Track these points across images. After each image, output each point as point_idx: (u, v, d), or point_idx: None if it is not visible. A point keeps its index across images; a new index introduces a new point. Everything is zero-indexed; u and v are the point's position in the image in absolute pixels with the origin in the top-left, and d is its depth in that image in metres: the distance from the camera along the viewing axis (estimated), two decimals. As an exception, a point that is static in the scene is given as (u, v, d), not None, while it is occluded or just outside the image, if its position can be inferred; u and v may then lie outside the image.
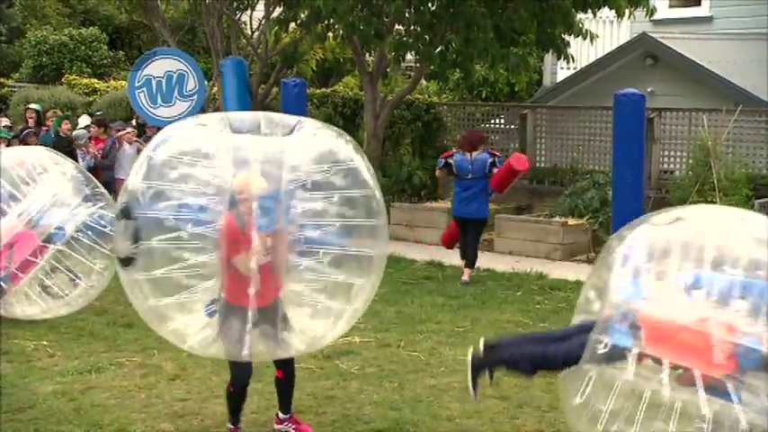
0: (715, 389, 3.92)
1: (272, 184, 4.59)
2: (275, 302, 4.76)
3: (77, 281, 7.93)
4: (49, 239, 7.80)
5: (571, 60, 13.62)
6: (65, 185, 8.00)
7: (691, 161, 12.16)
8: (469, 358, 4.98)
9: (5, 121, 13.41)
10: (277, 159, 4.63)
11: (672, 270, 4.13)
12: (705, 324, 3.96)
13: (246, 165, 4.61)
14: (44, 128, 13.14)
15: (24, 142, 11.93)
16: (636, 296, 4.16)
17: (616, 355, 4.12)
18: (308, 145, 4.84)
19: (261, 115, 5.19)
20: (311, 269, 4.72)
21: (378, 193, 4.92)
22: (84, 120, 13.73)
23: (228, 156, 4.65)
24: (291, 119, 5.12)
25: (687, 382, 3.97)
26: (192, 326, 4.83)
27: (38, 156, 8.20)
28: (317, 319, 4.96)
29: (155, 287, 4.71)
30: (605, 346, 4.12)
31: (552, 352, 4.62)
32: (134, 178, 4.81)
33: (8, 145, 11.94)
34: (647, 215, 4.71)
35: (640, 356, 4.08)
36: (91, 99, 18.68)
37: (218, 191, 4.59)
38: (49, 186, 7.91)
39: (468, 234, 10.16)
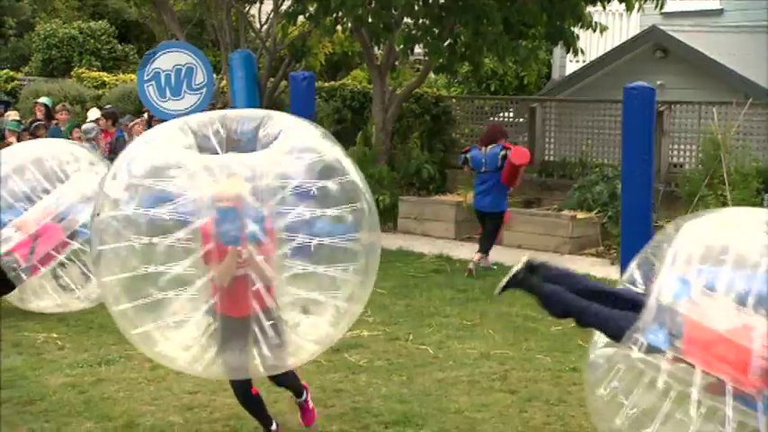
0: (743, 399, 3.87)
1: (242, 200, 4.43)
2: (250, 317, 4.53)
3: (91, 277, 7.97)
4: (73, 236, 7.86)
5: (580, 53, 13.57)
6: (95, 183, 8.06)
7: (700, 155, 12.10)
8: (516, 268, 4.80)
9: (15, 115, 13.45)
10: (248, 174, 4.47)
11: (723, 277, 4.01)
12: (746, 337, 3.87)
13: (223, 175, 4.46)
14: (54, 121, 13.17)
15: (34, 135, 11.97)
16: (682, 296, 4.06)
17: (650, 351, 4.08)
18: (281, 159, 4.63)
19: (260, 115, 5.01)
20: (290, 285, 4.58)
21: (348, 212, 4.68)
22: (94, 113, 13.76)
23: (203, 168, 4.50)
24: (282, 123, 4.93)
25: (717, 390, 3.91)
26: (163, 331, 4.63)
27: (73, 151, 8.26)
28: (301, 335, 4.80)
29: (122, 290, 4.56)
30: (641, 347, 4.07)
31: (590, 313, 4.47)
32: (109, 182, 4.68)
33: (18, 138, 12.00)
34: (718, 209, 4.60)
35: (674, 359, 4.02)
36: (100, 92, 18.72)
37: (197, 198, 4.42)
38: (80, 183, 7.96)
39: (485, 227, 10.26)
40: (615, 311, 4.40)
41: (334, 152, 4.83)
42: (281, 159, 4.63)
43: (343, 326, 4.94)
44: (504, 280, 4.82)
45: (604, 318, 4.42)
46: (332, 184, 4.63)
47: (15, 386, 6.20)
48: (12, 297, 8.05)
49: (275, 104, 14.25)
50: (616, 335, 4.28)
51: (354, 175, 4.81)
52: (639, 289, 4.45)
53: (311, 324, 4.80)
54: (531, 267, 4.84)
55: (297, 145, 4.75)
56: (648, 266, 4.39)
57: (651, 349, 4.07)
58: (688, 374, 4.00)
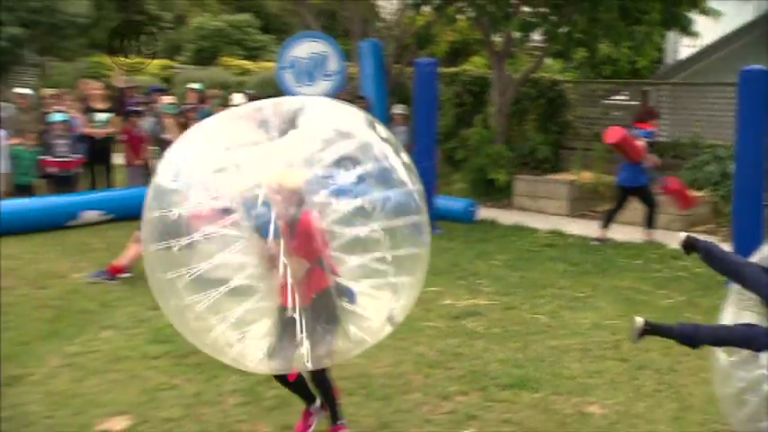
0: None
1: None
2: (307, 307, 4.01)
3: None
4: None
5: (695, 38, 12.98)
6: None
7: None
8: (638, 326, 4.49)
9: (171, 99, 13.97)
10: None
11: None
12: None
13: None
14: (204, 105, 13.63)
15: (186, 117, 12.43)
16: None
17: None
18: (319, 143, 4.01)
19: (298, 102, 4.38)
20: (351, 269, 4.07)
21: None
22: (238, 98, 14.13)
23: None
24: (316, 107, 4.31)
25: None
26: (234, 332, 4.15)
27: None
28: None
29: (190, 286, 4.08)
30: None
31: (736, 342, 4.25)
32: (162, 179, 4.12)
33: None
34: None
35: None
36: (243, 79, 19.23)
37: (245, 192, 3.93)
38: None
39: (620, 200, 10.25)
40: (758, 331, 4.16)
41: (369, 135, 4.12)
42: (320, 143, 4.00)
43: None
44: (636, 332, 4.50)
45: (746, 341, 4.21)
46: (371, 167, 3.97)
47: (172, 341, 6.46)
48: None
49: (400, 89, 14.29)
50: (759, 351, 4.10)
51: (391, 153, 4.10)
52: None
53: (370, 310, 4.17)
54: (689, 245, 4.56)
55: (335, 127, 4.10)
56: None
57: None
58: None
